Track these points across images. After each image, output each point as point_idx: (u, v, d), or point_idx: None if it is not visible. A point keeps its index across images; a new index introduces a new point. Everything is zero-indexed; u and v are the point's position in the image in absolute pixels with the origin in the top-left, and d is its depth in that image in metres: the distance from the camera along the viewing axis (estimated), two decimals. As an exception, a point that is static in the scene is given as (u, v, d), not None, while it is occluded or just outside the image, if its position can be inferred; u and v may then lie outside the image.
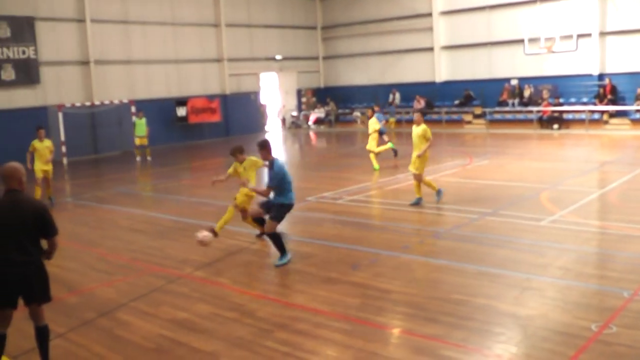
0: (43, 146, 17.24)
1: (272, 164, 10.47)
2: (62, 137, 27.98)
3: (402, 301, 8.48)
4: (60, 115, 28.05)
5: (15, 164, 6.68)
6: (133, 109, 30.36)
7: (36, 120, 28.20)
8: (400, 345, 7.19)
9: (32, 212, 6.51)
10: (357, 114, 38.60)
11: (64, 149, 27.97)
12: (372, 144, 20.85)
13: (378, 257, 10.63)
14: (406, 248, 11.07)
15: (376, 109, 22.55)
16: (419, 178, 14.55)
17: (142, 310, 8.77)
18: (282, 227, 11.03)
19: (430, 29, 36.45)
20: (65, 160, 27.96)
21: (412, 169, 14.60)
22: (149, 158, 27.67)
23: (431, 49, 36.74)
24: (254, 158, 11.93)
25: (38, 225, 6.52)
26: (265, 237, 11.36)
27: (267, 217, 10.70)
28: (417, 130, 14.56)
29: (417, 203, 14.54)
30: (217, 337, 7.62)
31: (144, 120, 27.93)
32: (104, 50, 31.36)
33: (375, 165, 20.49)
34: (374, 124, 21.05)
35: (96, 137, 30.38)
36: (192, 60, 35.33)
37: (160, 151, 30.39)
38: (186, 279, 10.13)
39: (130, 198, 18.61)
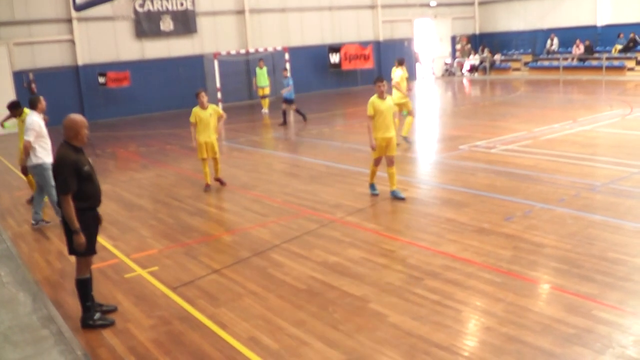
0: None
1: None
2: (218, 84, 28.97)
3: (555, 256, 8.10)
4: (216, 62, 29.01)
5: None
6: (287, 55, 30.79)
7: (193, 68, 29.55)
8: (552, 301, 6.87)
9: None
10: None
11: (219, 94, 28.98)
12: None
13: (532, 209, 10.21)
14: (562, 201, 10.55)
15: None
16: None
17: (294, 252, 8.94)
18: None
19: (594, -35, 34.26)
20: (220, 106, 28.94)
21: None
22: (265, 111, 26.78)
23: (594, -11, 34.60)
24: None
25: None
26: None
27: None
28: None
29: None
30: (367, 282, 7.62)
31: (265, 69, 27.01)
32: (259, -1, 31.97)
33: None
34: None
35: (250, 84, 30.79)
36: (345, 7, 35.23)
37: (314, 97, 30.78)
38: (338, 224, 10.21)
39: (284, 143, 18.98)
